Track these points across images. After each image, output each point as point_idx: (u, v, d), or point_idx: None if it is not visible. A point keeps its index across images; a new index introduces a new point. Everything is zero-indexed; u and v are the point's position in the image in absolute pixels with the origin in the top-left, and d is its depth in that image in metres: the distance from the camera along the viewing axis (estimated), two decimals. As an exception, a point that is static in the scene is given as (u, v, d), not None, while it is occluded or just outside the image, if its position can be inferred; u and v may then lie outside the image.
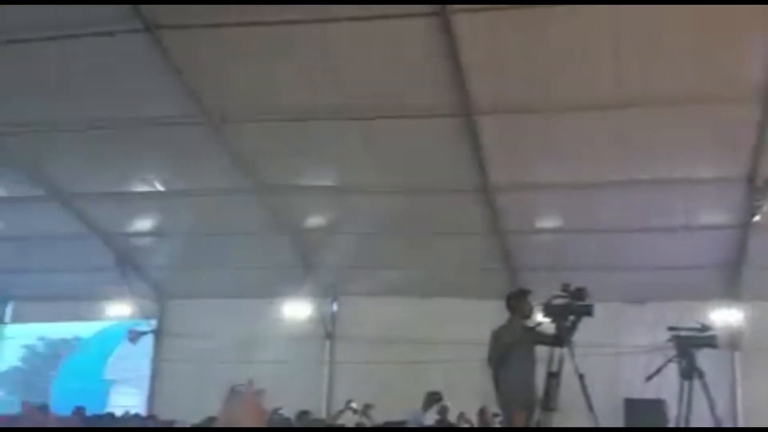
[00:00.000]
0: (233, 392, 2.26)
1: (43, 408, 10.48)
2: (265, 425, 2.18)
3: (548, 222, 10.82)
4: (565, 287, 6.25)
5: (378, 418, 10.32)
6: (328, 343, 12.66)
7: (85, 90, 8.27)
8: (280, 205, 10.50)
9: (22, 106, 8.61)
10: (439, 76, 7.63)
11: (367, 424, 10.34)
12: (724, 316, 10.79)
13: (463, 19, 6.91)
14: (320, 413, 11.66)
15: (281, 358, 11.78)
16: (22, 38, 7.34)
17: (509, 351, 6.52)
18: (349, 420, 10.56)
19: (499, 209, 9.98)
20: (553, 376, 6.12)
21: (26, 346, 31.87)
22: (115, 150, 9.40)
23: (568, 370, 6.02)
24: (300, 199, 10.46)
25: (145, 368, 13.48)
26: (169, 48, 7.49)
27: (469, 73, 7.53)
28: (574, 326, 6.22)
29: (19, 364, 32.51)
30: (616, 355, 10.88)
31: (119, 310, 13.15)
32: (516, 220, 10.32)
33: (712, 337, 6.41)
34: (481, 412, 10.11)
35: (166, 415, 10.06)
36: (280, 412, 9.57)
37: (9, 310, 14.06)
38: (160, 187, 10.37)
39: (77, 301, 13.51)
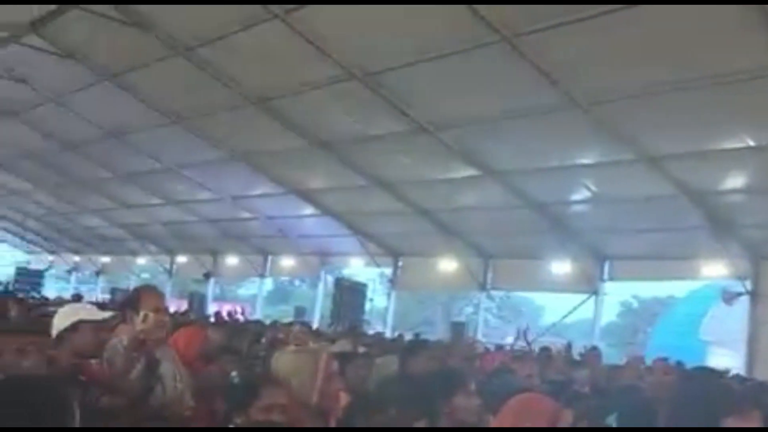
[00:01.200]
0: None
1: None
2: None
3: None
4: None
5: None
6: None
7: (669, 52, 8.37)
8: None
9: (609, 74, 9.13)
10: None
11: None
12: None
13: None
14: None
15: None
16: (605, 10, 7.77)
17: None
18: None
19: None
20: None
21: (622, 303, 33.80)
22: (701, 108, 9.26)
23: None
24: None
25: (741, 330, 13.02)
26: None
27: None
28: None
29: (616, 319, 34.66)
30: None
31: (711, 270, 12.96)
32: None
33: None
34: None
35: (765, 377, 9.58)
36: None
37: (606, 268, 14.96)
38: (751, 143, 9.87)
39: (668, 260, 13.71)
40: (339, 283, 19.68)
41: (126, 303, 3.78)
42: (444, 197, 14.57)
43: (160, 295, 3.83)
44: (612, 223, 13.73)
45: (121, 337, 3.57)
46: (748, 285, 12.70)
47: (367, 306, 19.97)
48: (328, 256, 20.49)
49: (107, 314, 3.61)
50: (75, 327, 3.49)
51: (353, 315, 18.73)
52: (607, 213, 13.50)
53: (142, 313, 3.50)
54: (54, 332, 3.50)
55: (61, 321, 3.52)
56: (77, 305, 3.73)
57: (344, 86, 10.87)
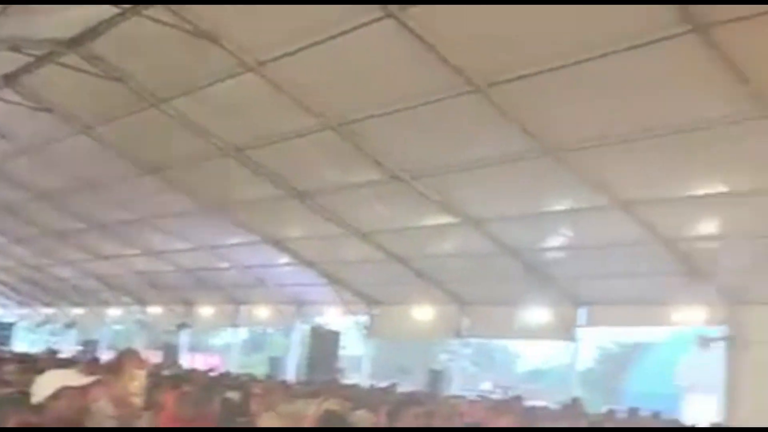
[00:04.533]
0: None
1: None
2: None
3: None
4: None
5: None
6: None
7: (638, 99, 8.53)
8: None
9: (580, 122, 9.27)
10: None
11: None
12: None
13: None
14: None
15: None
16: (575, 60, 7.93)
17: None
18: None
19: None
20: None
21: (600, 348, 33.78)
22: (673, 155, 9.40)
23: None
24: None
25: (717, 376, 13.03)
26: (720, 44, 7.24)
27: None
28: None
29: (594, 365, 34.63)
30: None
31: (688, 316, 12.99)
32: None
33: None
34: None
35: (745, 425, 9.59)
36: None
37: (583, 314, 14.95)
38: (723, 189, 10.02)
39: (645, 306, 13.74)
40: (313, 331, 19.53)
41: (108, 368, 3.75)
42: (420, 245, 14.58)
43: (141, 359, 3.80)
44: (588, 269, 13.76)
45: (104, 402, 3.52)
46: (725, 330, 12.75)
47: (341, 354, 19.80)
48: (303, 305, 20.33)
49: (89, 379, 3.54)
50: (58, 394, 3.42)
51: (327, 364, 18.55)
52: (582, 259, 13.55)
53: (124, 377, 3.45)
54: (35, 400, 3.42)
55: (42, 388, 3.45)
56: (57, 372, 3.67)
57: (320, 136, 10.92)
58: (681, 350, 21.41)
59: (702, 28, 7.08)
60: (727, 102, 8.11)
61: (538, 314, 14.84)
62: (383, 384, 16.14)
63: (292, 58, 9.20)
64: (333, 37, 8.51)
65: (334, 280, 17.58)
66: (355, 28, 8.26)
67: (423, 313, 16.69)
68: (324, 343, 19.15)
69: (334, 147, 11.11)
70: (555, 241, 13.31)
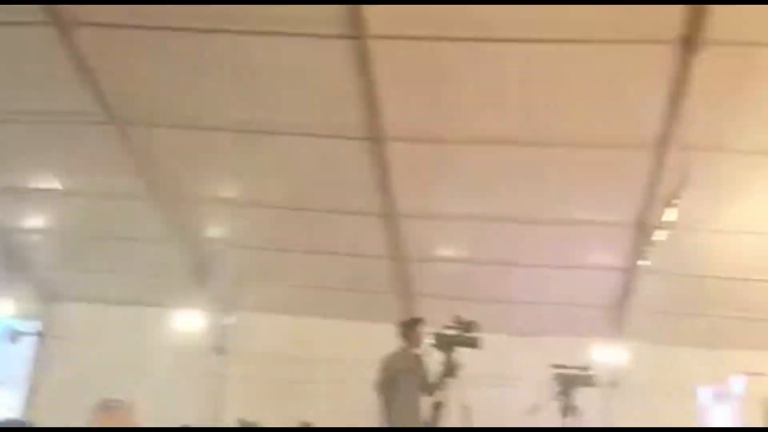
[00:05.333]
0: (104, 406, 2.23)
1: None
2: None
3: (449, 251, 10.95)
4: (456, 319, 6.44)
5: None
6: (218, 357, 12.34)
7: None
8: (178, 214, 10.31)
9: None
10: (351, 98, 7.71)
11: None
12: (607, 355, 11.02)
13: (380, 44, 7.02)
14: (207, 429, 11.39)
15: (168, 370, 11.50)
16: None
17: (398, 378, 6.64)
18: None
19: (401, 235, 10.05)
20: (438, 406, 6.26)
21: None
22: (15, 142, 9.08)
23: (454, 401, 6.17)
24: (199, 209, 10.30)
25: (24, 370, 12.86)
26: (79, 45, 7.35)
27: (381, 98, 7.65)
28: (458, 358, 6.40)
29: None
30: (502, 387, 10.90)
31: (1, 308, 12.52)
32: (417, 247, 10.41)
33: (590, 377, 6.74)
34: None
35: (43, 421, 9.62)
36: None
37: None
38: (57, 185, 10.04)
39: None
40: None
41: None
42: None
43: None
44: None
45: None
46: (36, 325, 12.64)
47: None
48: None
49: None
50: None
51: None
52: None
53: None
54: None
55: None
56: None
57: None
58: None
59: (65, 26, 7.10)
60: (75, 101, 8.18)
61: None
62: None
63: None
64: None
65: None
66: None
67: None
68: None
69: None
70: None
